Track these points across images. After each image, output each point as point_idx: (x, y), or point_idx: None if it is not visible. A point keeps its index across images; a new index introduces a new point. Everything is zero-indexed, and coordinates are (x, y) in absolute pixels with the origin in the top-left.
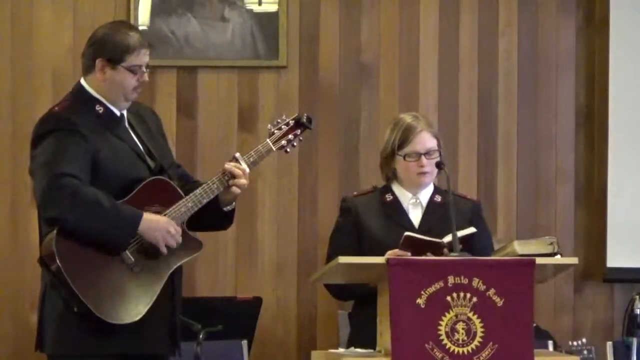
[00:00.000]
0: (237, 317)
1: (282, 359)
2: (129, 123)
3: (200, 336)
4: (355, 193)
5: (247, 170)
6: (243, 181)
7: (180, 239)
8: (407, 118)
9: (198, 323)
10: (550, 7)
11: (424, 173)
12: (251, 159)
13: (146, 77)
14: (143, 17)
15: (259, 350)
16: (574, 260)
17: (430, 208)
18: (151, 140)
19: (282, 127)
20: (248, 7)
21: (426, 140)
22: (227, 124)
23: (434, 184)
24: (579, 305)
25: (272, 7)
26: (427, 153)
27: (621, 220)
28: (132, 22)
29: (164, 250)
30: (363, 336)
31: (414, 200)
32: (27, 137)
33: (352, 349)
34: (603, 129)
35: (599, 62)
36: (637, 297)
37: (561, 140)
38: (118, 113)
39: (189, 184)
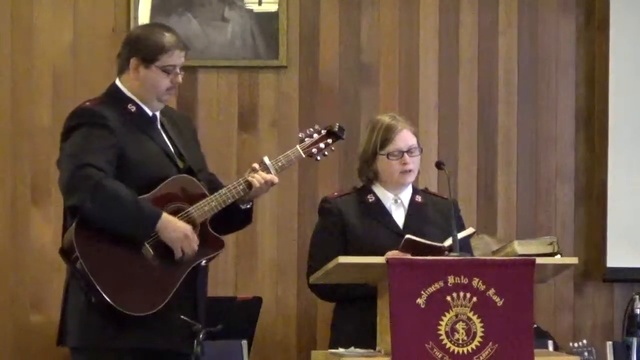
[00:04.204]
0: (237, 317)
1: (282, 359)
2: (162, 125)
3: (200, 336)
4: (335, 194)
5: (274, 177)
6: (265, 185)
7: (196, 247)
8: (386, 118)
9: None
10: (550, 7)
11: (407, 171)
12: (279, 164)
13: (180, 78)
14: (143, 17)
15: (259, 350)
16: (574, 260)
17: (412, 208)
18: (183, 143)
19: (314, 135)
20: (248, 7)
21: (408, 138)
22: (227, 124)
23: (412, 184)
24: (579, 305)
25: (272, 7)
26: (409, 151)
27: (621, 220)
28: (131, 22)
29: (179, 253)
30: (347, 337)
31: (396, 201)
32: (27, 136)
33: (352, 348)
34: (603, 129)
35: (599, 62)
36: (637, 297)
37: (561, 140)
38: (150, 113)
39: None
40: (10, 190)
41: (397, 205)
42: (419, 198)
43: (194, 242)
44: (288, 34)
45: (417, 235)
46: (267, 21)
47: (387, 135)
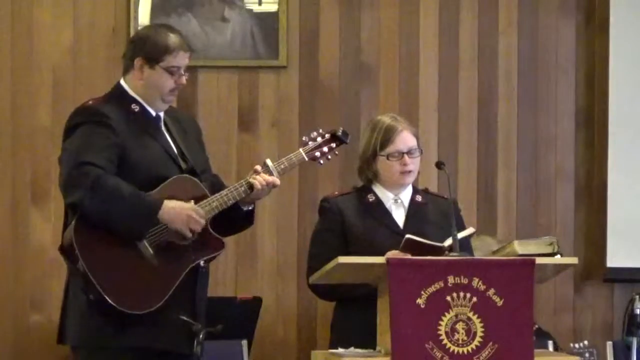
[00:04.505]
0: (237, 317)
1: (282, 359)
2: (165, 125)
3: (200, 336)
4: (336, 193)
5: (276, 180)
6: (266, 187)
7: (204, 222)
8: (386, 119)
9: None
10: (550, 7)
11: (407, 172)
12: (282, 166)
13: (184, 79)
14: (143, 17)
15: (259, 350)
16: (574, 260)
17: (412, 208)
18: (186, 144)
19: (317, 139)
20: (248, 7)
21: (408, 139)
22: (227, 124)
23: (412, 184)
24: (579, 305)
25: (272, 7)
26: (409, 152)
27: (621, 220)
28: (131, 22)
29: (189, 234)
30: (347, 337)
31: (396, 201)
32: (27, 136)
33: (352, 349)
34: (603, 129)
35: (599, 62)
36: (637, 297)
37: (561, 140)
38: (154, 113)
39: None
40: (10, 190)
41: (397, 205)
42: (419, 198)
43: (200, 218)
44: (288, 34)
45: (417, 235)
46: (267, 21)
47: (387, 136)
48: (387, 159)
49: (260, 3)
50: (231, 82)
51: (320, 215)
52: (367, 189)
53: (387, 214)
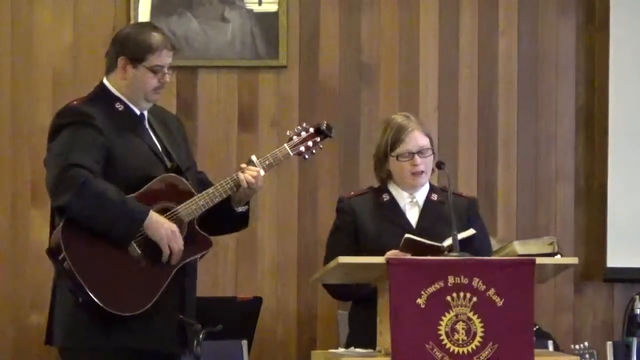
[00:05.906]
0: (237, 317)
1: (282, 359)
2: (150, 124)
3: (200, 336)
4: (352, 193)
5: (262, 173)
6: (253, 182)
7: (182, 243)
8: (398, 118)
9: (198, 323)
10: (550, 7)
11: (418, 173)
12: (267, 162)
13: (167, 78)
14: (143, 17)
15: (259, 350)
16: (574, 260)
17: (427, 207)
18: (171, 142)
19: (302, 133)
20: (248, 7)
21: (418, 139)
22: (227, 124)
23: (430, 183)
24: (579, 305)
25: (272, 7)
26: (420, 152)
27: (621, 220)
28: (131, 22)
29: (167, 250)
30: (362, 337)
31: (411, 200)
32: (27, 136)
33: (352, 349)
34: (603, 129)
35: (599, 62)
36: (637, 297)
37: (561, 140)
38: (138, 112)
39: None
40: (10, 190)
41: (412, 204)
42: (434, 197)
43: (181, 241)
44: (288, 34)
45: (428, 234)
46: (267, 21)
47: (397, 136)
48: (397, 159)
49: (260, 3)
50: (231, 82)
51: (336, 215)
52: (382, 188)
53: (400, 213)
